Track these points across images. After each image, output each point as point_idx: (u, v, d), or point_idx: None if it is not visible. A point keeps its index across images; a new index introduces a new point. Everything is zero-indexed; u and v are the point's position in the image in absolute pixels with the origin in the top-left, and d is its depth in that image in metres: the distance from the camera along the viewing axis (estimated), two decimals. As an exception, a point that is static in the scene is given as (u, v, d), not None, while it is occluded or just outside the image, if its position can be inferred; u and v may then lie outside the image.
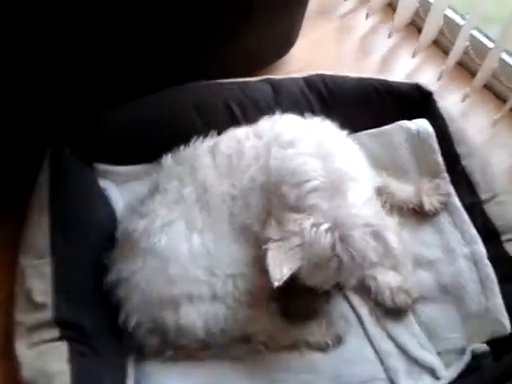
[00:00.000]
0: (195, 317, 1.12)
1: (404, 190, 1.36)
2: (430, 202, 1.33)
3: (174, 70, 1.44)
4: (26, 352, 1.12)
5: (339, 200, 1.02)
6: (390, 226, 1.07)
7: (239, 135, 1.21)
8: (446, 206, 1.33)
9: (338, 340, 1.21)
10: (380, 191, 1.30)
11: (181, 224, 1.15)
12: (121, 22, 1.22)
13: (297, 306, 1.23)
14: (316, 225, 1.00)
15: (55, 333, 1.14)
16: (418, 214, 1.35)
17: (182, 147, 1.26)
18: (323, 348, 1.20)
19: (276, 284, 0.98)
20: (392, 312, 1.24)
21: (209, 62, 1.50)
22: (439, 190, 1.34)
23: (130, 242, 1.18)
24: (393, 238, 1.03)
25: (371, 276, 1.21)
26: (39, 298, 1.16)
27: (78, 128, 1.37)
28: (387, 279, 1.23)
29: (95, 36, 1.21)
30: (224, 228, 1.14)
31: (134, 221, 1.19)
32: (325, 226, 0.99)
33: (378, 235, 1.02)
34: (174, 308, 1.13)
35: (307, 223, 0.99)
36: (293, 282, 1.15)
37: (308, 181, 1.03)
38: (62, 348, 1.12)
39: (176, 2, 1.27)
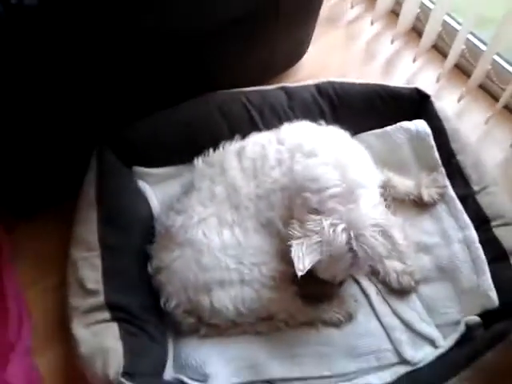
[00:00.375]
0: (226, 300, 1.27)
1: (405, 184, 1.49)
2: (428, 194, 1.47)
3: (198, 81, 1.58)
4: (82, 331, 1.26)
5: (353, 205, 1.16)
6: (396, 224, 1.22)
7: (263, 141, 1.35)
8: (442, 197, 1.46)
9: (349, 317, 1.36)
10: (384, 185, 1.44)
11: (213, 220, 1.29)
12: (153, 45, 1.36)
13: (313, 289, 1.38)
14: (334, 225, 1.13)
15: (106, 315, 1.28)
16: (418, 206, 1.48)
17: (211, 150, 1.41)
18: (336, 324, 1.35)
19: (300, 273, 1.12)
20: (396, 292, 1.38)
21: (228, 72, 1.64)
22: (436, 183, 1.47)
23: (168, 234, 1.33)
24: (398, 235, 1.18)
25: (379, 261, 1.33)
26: (91, 285, 1.31)
27: (118, 134, 1.51)
28: (393, 264, 1.37)
29: (135, 59, 1.36)
30: (251, 224, 1.28)
31: (171, 217, 1.34)
32: (341, 226, 1.13)
33: (385, 233, 1.16)
34: (207, 292, 1.27)
35: (326, 223, 1.13)
36: (312, 271, 1.34)
37: (328, 188, 1.17)
38: (114, 327, 1.26)
39: (202, 17, 1.38)
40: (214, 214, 1.31)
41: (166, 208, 1.43)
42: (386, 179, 1.46)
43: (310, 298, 1.38)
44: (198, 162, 1.40)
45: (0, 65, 1.12)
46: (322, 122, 1.43)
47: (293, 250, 1.14)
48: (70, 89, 1.31)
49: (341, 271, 1.21)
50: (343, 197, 1.17)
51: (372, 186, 1.25)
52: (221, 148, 1.40)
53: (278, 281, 1.30)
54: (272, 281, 1.29)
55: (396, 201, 1.48)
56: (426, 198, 1.47)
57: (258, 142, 1.36)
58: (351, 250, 1.15)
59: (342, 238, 1.13)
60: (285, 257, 1.23)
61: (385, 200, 1.41)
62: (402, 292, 1.39)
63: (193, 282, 1.28)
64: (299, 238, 1.15)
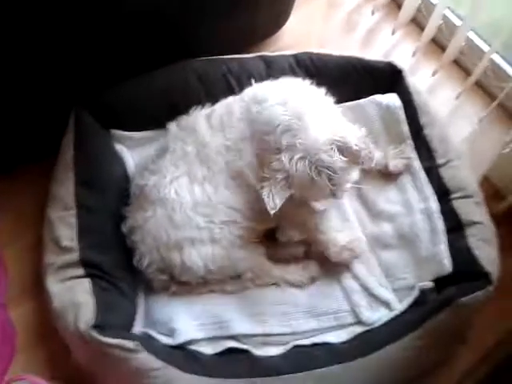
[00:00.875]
0: (196, 257, 1.33)
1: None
2: (394, 165, 1.52)
3: (177, 47, 1.59)
4: (56, 287, 1.31)
5: (303, 133, 1.22)
6: (352, 132, 1.26)
7: (229, 101, 1.42)
8: (408, 168, 1.52)
9: (312, 279, 1.43)
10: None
11: (185, 178, 1.35)
12: (130, 11, 1.38)
13: (279, 251, 1.46)
14: (291, 157, 1.21)
15: (80, 271, 1.32)
16: (384, 176, 1.53)
17: (184, 116, 1.45)
18: (300, 286, 1.43)
19: (272, 211, 1.20)
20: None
21: (207, 38, 1.65)
22: (402, 154, 1.53)
23: (142, 194, 1.38)
24: (353, 141, 1.22)
25: (321, 231, 1.41)
26: (66, 242, 1.35)
27: (97, 97, 1.53)
28: (336, 237, 1.42)
29: (113, 23, 1.38)
30: (221, 178, 1.34)
31: (145, 177, 1.39)
32: (297, 156, 1.20)
33: (341, 147, 1.21)
34: (178, 250, 1.33)
35: (285, 159, 1.21)
36: (276, 230, 1.40)
37: (278, 125, 1.24)
38: (86, 283, 1.31)
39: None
40: (185, 172, 1.35)
41: (141, 169, 1.47)
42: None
43: (276, 260, 1.45)
44: (172, 125, 1.45)
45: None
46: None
47: (263, 192, 1.21)
48: (49, 47, 1.33)
49: (317, 193, 1.28)
50: (293, 128, 1.23)
51: (321, 108, 1.30)
52: (192, 112, 1.44)
53: (247, 240, 1.36)
54: (241, 240, 1.35)
55: (363, 170, 1.53)
56: (391, 168, 1.52)
57: (225, 103, 1.42)
58: (318, 173, 1.21)
59: (302, 166, 1.20)
60: (254, 212, 1.30)
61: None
62: (362, 255, 1.45)
63: (165, 241, 1.34)
64: (267, 179, 1.22)
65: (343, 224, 1.48)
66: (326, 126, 1.25)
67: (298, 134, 1.22)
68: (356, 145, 1.23)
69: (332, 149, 1.21)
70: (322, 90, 1.40)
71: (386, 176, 1.55)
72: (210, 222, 1.33)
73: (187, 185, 1.34)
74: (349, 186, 1.34)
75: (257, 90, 1.38)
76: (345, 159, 1.22)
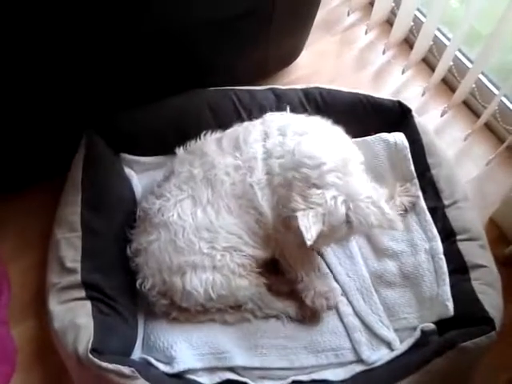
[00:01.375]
0: (197, 283, 1.33)
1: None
2: (400, 202, 1.53)
3: (190, 76, 1.63)
4: (57, 307, 1.32)
5: (349, 178, 1.23)
6: (383, 195, 1.29)
7: (245, 124, 1.44)
8: (414, 207, 1.52)
9: (313, 315, 1.42)
10: None
11: (188, 201, 1.35)
12: (147, 41, 1.42)
13: (280, 285, 1.45)
14: (335, 197, 1.21)
15: (82, 293, 1.33)
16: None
17: (193, 140, 1.47)
18: (301, 320, 1.42)
19: (309, 243, 1.18)
20: (360, 294, 1.45)
21: (220, 69, 1.69)
22: (409, 192, 1.54)
23: (147, 218, 1.39)
24: (386, 205, 1.25)
25: (306, 272, 1.41)
26: (70, 264, 1.37)
27: (109, 122, 1.57)
28: (315, 283, 1.42)
29: (129, 52, 1.42)
30: (224, 202, 1.34)
31: (150, 200, 1.41)
32: (341, 198, 1.21)
33: (376, 204, 1.23)
34: (181, 275, 1.33)
35: (328, 196, 1.21)
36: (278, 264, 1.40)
37: (325, 163, 1.24)
38: (87, 306, 1.32)
39: (196, 17, 1.44)
40: (189, 195, 1.36)
41: (148, 193, 1.49)
42: None
43: (277, 292, 1.45)
44: (180, 150, 1.47)
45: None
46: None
47: (299, 220, 1.19)
48: (64, 71, 1.37)
49: (335, 239, 1.30)
50: (339, 171, 1.24)
51: (359, 162, 1.33)
52: (202, 137, 1.46)
53: (248, 270, 1.36)
54: (242, 269, 1.35)
55: None
56: (398, 205, 1.52)
57: (240, 125, 1.45)
58: (348, 220, 1.22)
59: (343, 208, 1.21)
60: (256, 237, 1.32)
61: None
62: (364, 294, 1.46)
63: (168, 264, 1.34)
64: (303, 209, 1.21)
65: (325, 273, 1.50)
66: (365, 180, 1.28)
67: (344, 177, 1.23)
68: (386, 207, 1.25)
69: (369, 202, 1.23)
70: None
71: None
72: (212, 248, 1.33)
73: (190, 208, 1.35)
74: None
75: (290, 120, 1.40)
76: (376, 215, 1.23)
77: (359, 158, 1.37)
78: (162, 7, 1.34)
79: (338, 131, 1.42)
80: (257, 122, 1.43)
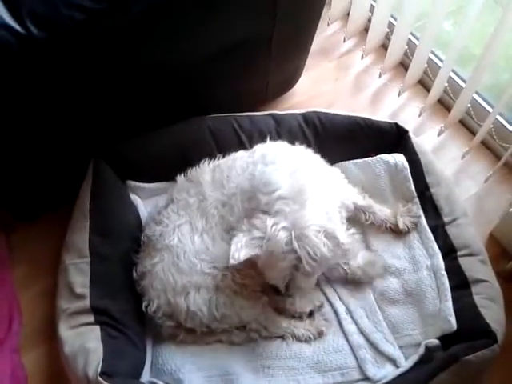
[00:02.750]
0: (201, 303, 1.35)
1: (383, 212, 1.58)
2: (403, 222, 1.55)
3: (192, 104, 1.69)
4: (67, 333, 1.36)
5: (298, 206, 1.22)
6: (341, 228, 1.27)
7: (237, 155, 1.47)
8: (416, 225, 1.55)
9: (319, 334, 1.44)
10: (365, 210, 1.55)
11: (187, 227, 1.39)
12: (149, 74, 1.47)
13: (285, 306, 1.46)
14: (276, 223, 1.20)
15: (91, 318, 1.37)
16: (393, 233, 1.57)
17: (193, 168, 1.51)
18: (307, 340, 1.44)
19: (232, 262, 1.19)
20: (364, 312, 1.47)
21: (221, 97, 1.75)
22: (411, 213, 1.57)
23: (151, 243, 1.43)
24: (342, 235, 1.22)
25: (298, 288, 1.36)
26: (79, 289, 1.41)
27: (115, 150, 1.62)
28: (300, 303, 1.44)
29: (134, 86, 1.48)
30: (217, 232, 1.38)
31: (152, 227, 1.45)
32: (282, 224, 1.20)
33: (329, 235, 1.21)
34: (184, 295, 1.36)
35: (269, 221, 1.21)
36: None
37: (276, 190, 1.25)
38: (96, 330, 1.35)
39: (199, 52, 1.50)
40: (187, 221, 1.40)
41: (150, 220, 1.53)
42: (367, 205, 1.56)
43: (282, 312, 1.47)
44: (180, 177, 1.51)
45: (11, 85, 1.23)
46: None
47: (233, 240, 1.21)
48: (72, 107, 1.42)
49: (284, 272, 1.25)
50: (290, 198, 1.23)
51: (324, 197, 1.30)
52: (201, 165, 1.50)
53: (249, 288, 1.38)
54: (244, 289, 1.37)
55: (373, 227, 1.58)
56: (400, 226, 1.55)
57: (234, 157, 1.47)
58: (294, 250, 1.20)
59: (283, 236, 1.19)
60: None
61: (366, 220, 1.53)
62: (369, 312, 1.48)
63: (172, 285, 1.37)
64: (243, 231, 1.23)
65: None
66: (321, 211, 1.25)
67: (293, 205, 1.22)
68: (343, 238, 1.24)
69: (319, 232, 1.20)
70: (331, 168, 1.46)
71: (394, 232, 1.58)
72: (213, 268, 1.36)
73: (189, 232, 1.39)
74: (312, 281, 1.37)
75: (268, 150, 1.42)
76: (328, 246, 1.21)
77: (331, 194, 1.35)
78: (165, 43, 1.40)
79: (314, 162, 1.43)
80: (245, 154, 1.46)
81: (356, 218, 1.57)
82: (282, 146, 1.48)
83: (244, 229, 1.24)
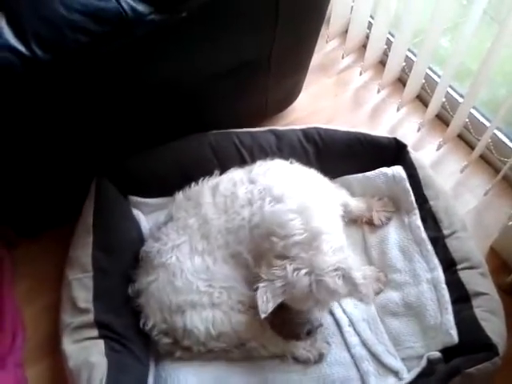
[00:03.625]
0: (198, 321, 1.36)
1: (359, 207, 1.63)
2: (378, 218, 1.61)
3: (193, 121, 1.71)
4: (71, 347, 1.38)
5: (315, 251, 1.25)
6: (355, 266, 1.30)
7: (236, 178, 1.47)
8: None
9: (320, 356, 1.43)
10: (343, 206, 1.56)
11: (186, 246, 1.40)
12: (152, 93, 1.49)
13: (284, 327, 1.46)
14: (297, 270, 1.23)
15: (95, 332, 1.38)
16: (397, 248, 1.58)
17: (192, 184, 1.53)
18: (306, 362, 1.43)
19: (263, 316, 1.22)
20: (367, 324, 1.48)
21: (222, 114, 1.77)
22: (385, 207, 1.61)
23: (148, 259, 1.44)
24: (358, 276, 1.26)
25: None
26: (82, 304, 1.42)
27: (117, 167, 1.64)
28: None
29: (136, 104, 1.50)
30: (220, 254, 1.39)
31: (150, 243, 1.47)
32: (303, 271, 1.23)
33: (345, 276, 1.25)
34: (181, 313, 1.36)
35: (290, 268, 1.23)
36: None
37: (293, 235, 1.26)
38: (100, 344, 1.36)
39: (201, 73, 1.53)
40: (186, 241, 1.41)
41: (149, 236, 1.55)
42: (344, 203, 1.59)
43: (284, 334, 1.46)
44: (179, 195, 1.53)
45: (16, 106, 1.26)
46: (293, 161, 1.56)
47: (258, 293, 1.23)
48: (75, 127, 1.44)
49: (306, 306, 1.31)
50: (306, 243, 1.26)
51: (335, 231, 1.34)
52: (199, 182, 1.52)
53: (246, 305, 1.38)
54: (241, 305, 1.38)
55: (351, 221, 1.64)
56: (376, 221, 1.61)
57: (232, 179, 1.48)
58: (312, 292, 1.24)
59: (304, 281, 1.23)
60: (252, 285, 1.32)
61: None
62: (371, 324, 1.49)
63: (167, 304, 1.38)
64: (265, 281, 1.25)
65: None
66: (337, 249, 1.28)
67: (310, 250, 1.25)
68: (359, 279, 1.27)
69: (337, 275, 1.24)
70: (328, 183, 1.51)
71: (398, 247, 1.59)
72: (209, 287, 1.37)
73: (188, 252, 1.40)
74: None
75: (271, 180, 1.41)
76: (345, 288, 1.25)
77: (337, 224, 1.39)
78: (167, 63, 1.42)
79: (323, 192, 1.45)
80: (244, 176, 1.46)
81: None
82: (281, 168, 1.49)
83: (264, 277, 1.25)
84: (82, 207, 1.59)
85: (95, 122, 1.47)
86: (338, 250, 1.28)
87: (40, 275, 1.66)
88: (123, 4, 1.26)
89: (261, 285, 1.24)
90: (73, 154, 1.53)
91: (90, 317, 1.40)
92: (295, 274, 1.23)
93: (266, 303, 1.22)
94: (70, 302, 1.45)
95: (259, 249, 1.33)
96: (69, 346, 1.38)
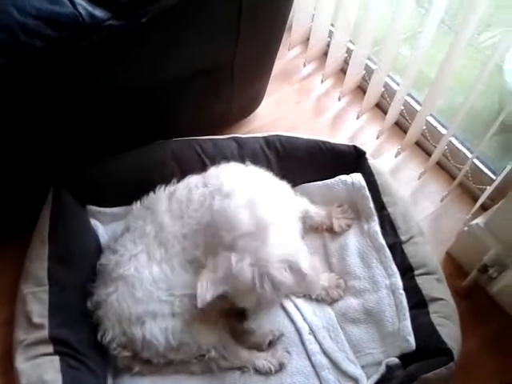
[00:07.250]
0: (157, 331, 1.33)
1: (319, 214, 1.64)
2: (338, 225, 1.62)
3: (154, 128, 1.70)
4: (24, 365, 1.33)
5: (261, 242, 1.24)
6: (303, 254, 1.30)
7: (191, 184, 1.46)
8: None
9: (281, 366, 1.43)
10: (303, 215, 1.58)
11: (144, 256, 1.39)
12: (112, 98, 1.47)
13: (244, 337, 1.46)
14: (240, 261, 1.23)
15: (50, 349, 1.34)
16: (356, 254, 1.58)
17: (151, 193, 1.51)
18: (267, 372, 1.42)
19: (200, 304, 1.22)
20: (327, 332, 1.49)
21: (184, 121, 1.77)
22: (345, 214, 1.63)
23: (105, 272, 1.42)
24: (305, 266, 1.26)
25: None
26: (37, 319, 1.38)
27: (75, 175, 1.60)
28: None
29: (94, 109, 1.47)
30: (177, 261, 1.38)
31: (107, 256, 1.44)
32: (247, 262, 1.22)
33: (292, 268, 1.24)
34: (140, 324, 1.34)
35: (234, 259, 1.23)
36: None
37: (240, 228, 1.26)
38: (55, 361, 1.32)
39: (159, 75, 1.50)
40: (143, 250, 1.40)
41: (106, 248, 1.52)
42: (305, 210, 1.60)
43: (245, 344, 1.46)
44: (136, 205, 1.51)
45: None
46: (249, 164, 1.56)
47: (199, 282, 1.23)
48: (32, 133, 1.41)
49: (252, 302, 1.28)
50: (253, 235, 1.25)
51: (285, 225, 1.34)
52: (157, 191, 1.50)
53: (206, 313, 1.35)
54: (200, 312, 1.34)
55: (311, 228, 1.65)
56: (336, 228, 1.62)
57: (188, 185, 1.47)
58: (256, 284, 1.22)
59: (248, 273, 1.22)
60: None
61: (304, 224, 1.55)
62: (332, 332, 1.49)
63: (127, 315, 1.36)
64: (208, 270, 1.25)
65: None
66: (284, 241, 1.28)
67: (256, 241, 1.25)
68: (306, 269, 1.27)
69: (283, 267, 1.24)
70: (288, 188, 1.50)
71: (357, 253, 1.60)
72: (170, 295, 1.36)
73: (146, 262, 1.38)
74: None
75: (222, 178, 1.42)
76: (292, 280, 1.25)
77: (288, 214, 1.39)
78: (126, 69, 1.40)
79: (272, 187, 1.45)
80: (199, 182, 1.46)
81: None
82: (234, 169, 1.50)
83: (209, 267, 1.25)
84: (39, 217, 1.55)
85: (51, 129, 1.44)
86: (285, 242, 1.28)
87: (-6, 289, 1.61)
88: (80, 9, 1.24)
89: (203, 274, 1.24)
90: (29, 161, 1.49)
91: (45, 332, 1.36)
92: (239, 264, 1.22)
93: (206, 292, 1.21)
94: (24, 317, 1.41)
95: (212, 248, 1.32)
96: (21, 363, 1.34)
